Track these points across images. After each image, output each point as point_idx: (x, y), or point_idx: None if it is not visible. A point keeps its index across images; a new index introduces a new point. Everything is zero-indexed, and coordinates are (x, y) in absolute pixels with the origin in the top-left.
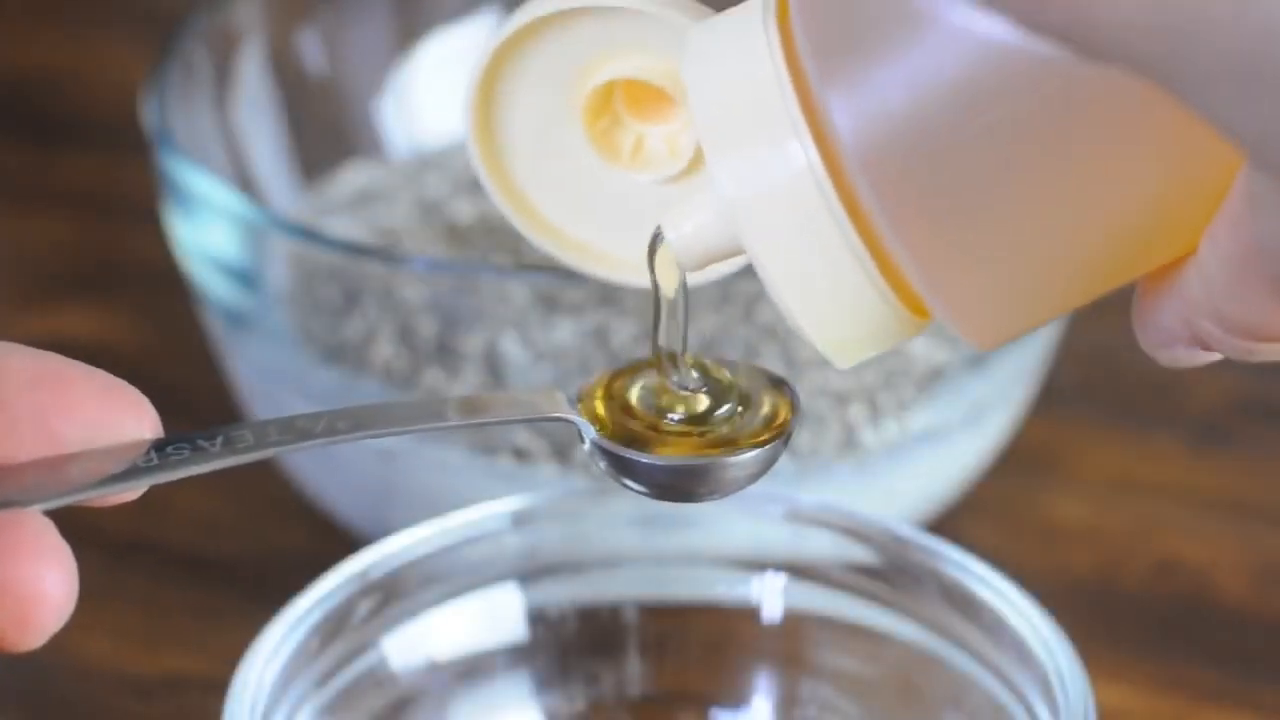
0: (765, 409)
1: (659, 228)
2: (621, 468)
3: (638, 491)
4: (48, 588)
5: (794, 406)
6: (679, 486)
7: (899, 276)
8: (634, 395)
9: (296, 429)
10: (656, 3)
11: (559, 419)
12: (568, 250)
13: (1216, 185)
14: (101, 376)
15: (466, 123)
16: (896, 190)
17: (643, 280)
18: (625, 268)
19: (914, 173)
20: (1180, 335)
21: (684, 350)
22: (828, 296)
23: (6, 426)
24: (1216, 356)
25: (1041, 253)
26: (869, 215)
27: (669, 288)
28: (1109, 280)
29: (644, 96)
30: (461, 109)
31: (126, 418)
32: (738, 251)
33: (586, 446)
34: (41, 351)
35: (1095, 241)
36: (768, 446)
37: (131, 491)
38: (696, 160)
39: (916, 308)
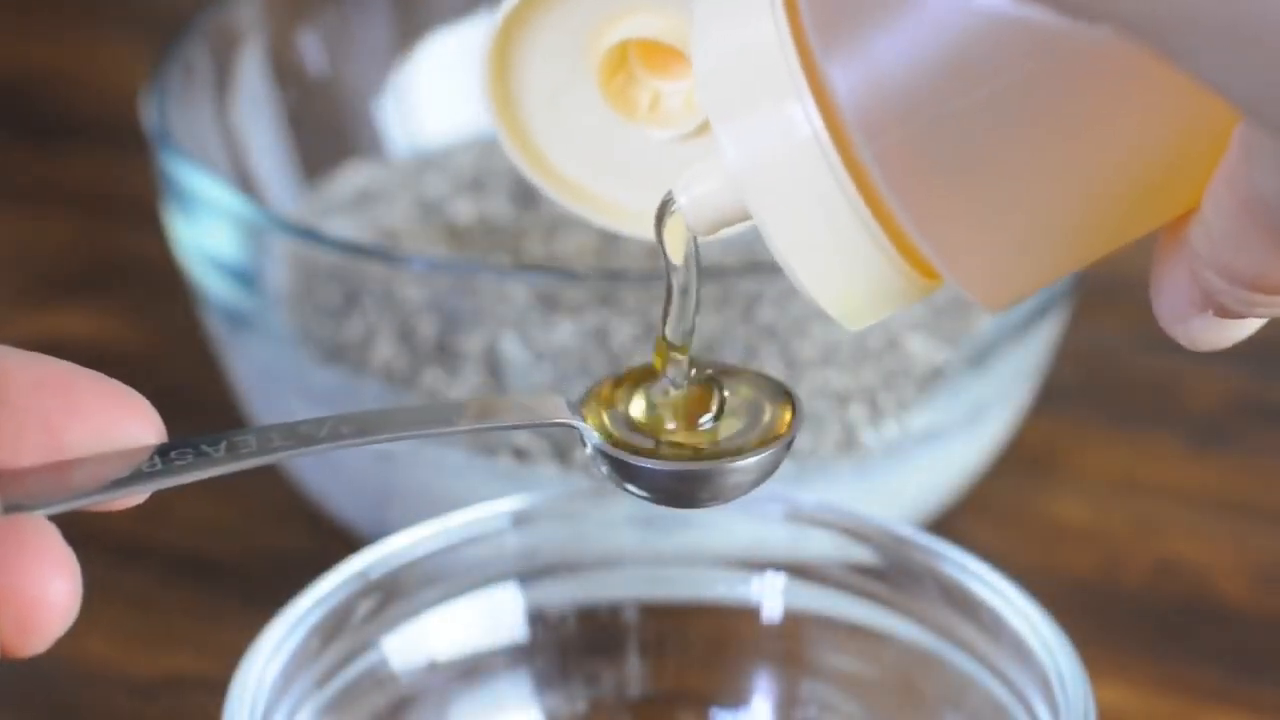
0: (767, 415)
1: (669, 193)
2: (623, 473)
3: (639, 497)
4: (52, 593)
5: (796, 413)
6: (680, 492)
7: (906, 239)
8: (636, 400)
9: (300, 434)
10: None
11: (561, 424)
12: (583, 203)
13: (1216, 139)
14: (106, 381)
15: (482, 77)
16: (898, 156)
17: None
18: (642, 221)
19: (915, 139)
20: (1191, 296)
21: (693, 330)
22: (833, 261)
23: (11, 431)
24: (1231, 334)
25: (1044, 214)
26: (873, 180)
27: (677, 254)
28: (1113, 238)
29: (660, 54)
30: (478, 64)
31: (131, 423)
32: (746, 216)
33: (588, 451)
34: (45, 356)
35: (1097, 201)
36: (768, 452)
37: (135, 496)
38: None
39: (925, 269)
